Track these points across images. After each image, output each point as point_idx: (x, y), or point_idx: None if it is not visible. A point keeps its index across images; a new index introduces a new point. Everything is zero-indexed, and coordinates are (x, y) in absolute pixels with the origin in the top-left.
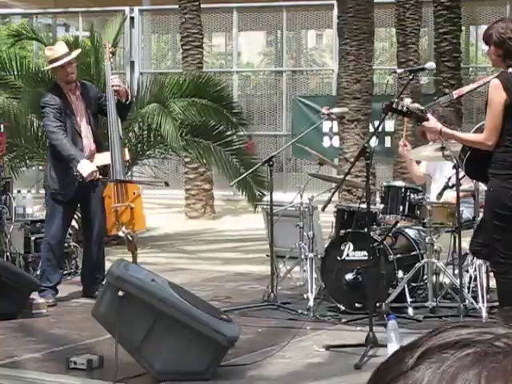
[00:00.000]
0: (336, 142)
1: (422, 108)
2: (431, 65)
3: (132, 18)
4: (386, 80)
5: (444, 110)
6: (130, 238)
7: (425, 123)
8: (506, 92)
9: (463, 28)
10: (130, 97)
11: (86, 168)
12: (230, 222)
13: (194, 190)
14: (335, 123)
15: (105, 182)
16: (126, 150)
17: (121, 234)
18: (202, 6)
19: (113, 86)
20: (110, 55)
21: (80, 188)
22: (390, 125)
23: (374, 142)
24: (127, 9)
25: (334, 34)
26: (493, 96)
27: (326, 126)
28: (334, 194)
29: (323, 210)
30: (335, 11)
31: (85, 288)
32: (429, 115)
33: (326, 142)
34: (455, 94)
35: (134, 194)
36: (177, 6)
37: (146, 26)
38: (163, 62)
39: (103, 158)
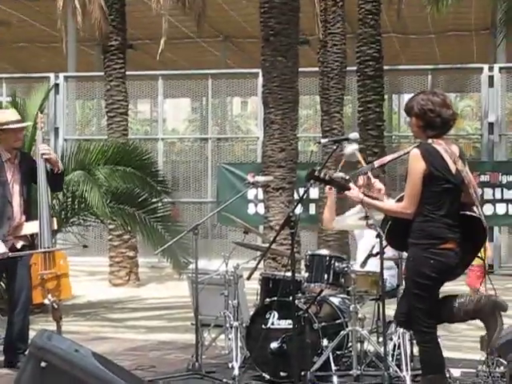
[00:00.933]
0: (261, 208)
1: (347, 177)
2: (355, 135)
3: (57, 85)
4: (311, 149)
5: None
6: (56, 306)
7: (347, 192)
8: (425, 162)
9: (386, 97)
10: (60, 166)
11: None
12: (155, 290)
13: (118, 257)
14: (260, 190)
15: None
16: (55, 219)
17: (46, 301)
18: (127, 72)
19: (42, 154)
20: (42, 124)
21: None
22: (314, 192)
23: (298, 209)
24: (52, 75)
25: (259, 101)
26: (412, 165)
27: (251, 193)
28: (259, 262)
29: (248, 278)
30: (260, 79)
31: (7, 358)
32: (351, 185)
33: (252, 209)
34: (377, 163)
35: (62, 262)
36: (102, 73)
37: (71, 92)
38: (88, 128)
39: (32, 227)
